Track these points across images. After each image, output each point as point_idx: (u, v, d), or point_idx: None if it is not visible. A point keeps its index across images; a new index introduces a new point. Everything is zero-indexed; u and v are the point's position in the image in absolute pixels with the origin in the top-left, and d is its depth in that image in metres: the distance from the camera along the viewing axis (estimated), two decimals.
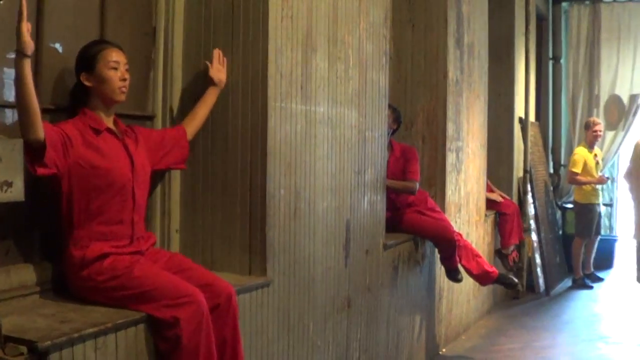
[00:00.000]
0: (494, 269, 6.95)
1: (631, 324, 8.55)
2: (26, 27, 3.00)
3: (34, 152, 3.11)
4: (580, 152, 10.85)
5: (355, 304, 5.14)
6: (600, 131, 11.06)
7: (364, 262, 5.26)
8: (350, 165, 5.00)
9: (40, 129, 3.08)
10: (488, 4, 8.49)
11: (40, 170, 3.16)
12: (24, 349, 2.68)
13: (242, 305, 3.83)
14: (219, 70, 4.00)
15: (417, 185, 6.27)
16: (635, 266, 10.03)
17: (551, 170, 12.46)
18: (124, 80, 3.48)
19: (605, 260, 11.97)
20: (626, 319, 8.83)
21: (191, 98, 4.15)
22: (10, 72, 3.27)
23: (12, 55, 3.09)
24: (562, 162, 12.56)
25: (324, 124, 4.61)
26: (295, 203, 4.34)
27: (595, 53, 12.39)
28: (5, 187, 2.58)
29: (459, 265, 6.64)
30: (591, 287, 10.72)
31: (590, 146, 10.96)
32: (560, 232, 12.01)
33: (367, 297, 5.33)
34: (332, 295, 4.81)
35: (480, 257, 6.90)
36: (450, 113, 7.06)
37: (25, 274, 3.41)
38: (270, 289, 4.10)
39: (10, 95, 3.32)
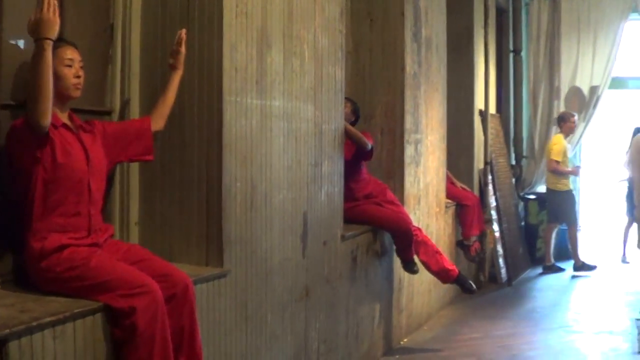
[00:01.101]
0: (454, 268, 7.05)
1: (591, 312, 8.71)
2: (52, 10, 3.17)
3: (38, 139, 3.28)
4: (560, 142, 11.08)
5: (313, 294, 5.24)
6: (575, 123, 11.33)
7: (322, 253, 5.36)
8: (307, 158, 5.10)
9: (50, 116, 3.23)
10: None
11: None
12: None
13: (200, 295, 3.93)
14: (177, 53, 4.05)
15: (371, 146, 6.35)
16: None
17: (513, 162, 12.60)
18: (78, 77, 3.57)
19: (566, 250, 12.14)
20: (586, 308, 9.00)
21: (149, 93, 4.24)
22: None
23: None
24: (524, 154, 12.69)
25: (279, 118, 4.72)
26: (251, 196, 4.44)
27: (556, 45, 12.53)
28: None
29: (415, 257, 6.74)
30: (563, 270, 11.15)
31: (565, 137, 11.17)
32: (523, 223, 12.15)
33: (325, 287, 5.43)
34: (289, 286, 4.91)
35: (440, 254, 7.00)
36: (408, 106, 7.16)
37: None
38: (227, 280, 4.20)
39: None
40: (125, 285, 3.29)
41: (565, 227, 11.58)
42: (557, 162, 10.92)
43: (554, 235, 11.49)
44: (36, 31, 3.23)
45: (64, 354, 3.07)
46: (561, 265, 11.46)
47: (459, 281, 7.11)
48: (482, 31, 10.15)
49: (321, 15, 5.23)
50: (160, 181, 4.31)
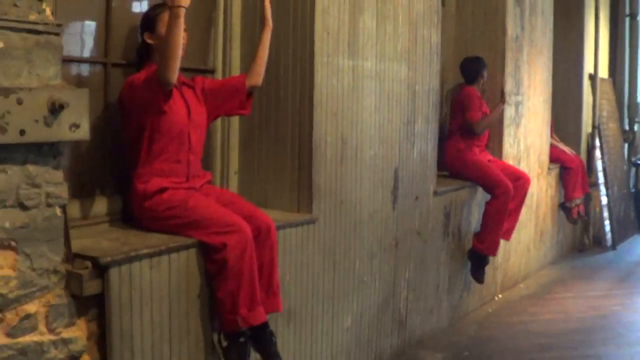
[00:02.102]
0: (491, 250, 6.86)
1: None
2: None
3: (165, 93, 3.73)
4: None
5: (403, 246, 5.55)
6: None
7: (413, 207, 5.66)
8: (399, 116, 5.39)
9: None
10: None
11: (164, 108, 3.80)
12: (88, 264, 3.20)
13: (289, 239, 4.32)
14: (267, 7, 4.26)
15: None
16: None
17: (626, 127, 12.56)
18: (182, 39, 3.92)
19: None
20: None
21: (248, 53, 4.59)
22: (75, 29, 3.78)
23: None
24: (637, 119, 12.63)
25: (371, 78, 5.01)
26: (341, 150, 4.76)
27: None
28: (73, 128, 3.05)
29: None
30: None
31: None
32: (633, 189, 12.15)
33: (416, 240, 5.73)
34: (379, 236, 5.23)
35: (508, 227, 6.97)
36: (508, 68, 7.35)
37: (98, 206, 3.97)
38: (315, 226, 4.56)
39: (75, 51, 3.83)
40: (218, 223, 3.67)
41: None
42: None
43: None
44: (172, 0, 3.62)
45: (160, 283, 3.48)
46: None
47: (477, 259, 6.80)
48: None
49: None
50: (258, 135, 4.69)
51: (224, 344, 3.80)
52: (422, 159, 5.74)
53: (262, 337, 3.87)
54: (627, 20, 12.54)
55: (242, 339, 3.75)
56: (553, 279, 8.54)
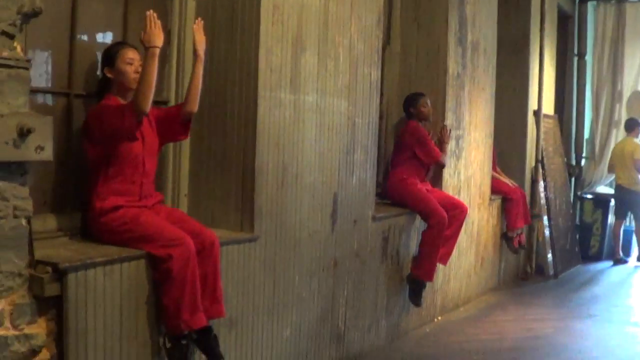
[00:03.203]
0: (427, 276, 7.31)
1: (630, 306, 9.31)
2: (157, 26, 4.29)
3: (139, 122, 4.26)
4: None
5: (342, 266, 6.03)
6: None
7: (352, 230, 6.15)
8: (339, 146, 5.89)
9: None
10: (504, 5, 9.39)
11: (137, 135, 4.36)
12: (49, 269, 3.66)
13: (232, 254, 4.81)
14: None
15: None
16: None
17: (573, 162, 13.12)
18: (137, 73, 4.40)
19: (625, 247, 12.75)
20: (626, 301, 9.60)
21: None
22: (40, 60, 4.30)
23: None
24: (584, 155, 13.21)
25: (312, 111, 5.53)
26: (282, 176, 5.26)
27: (620, 50, 12.96)
28: (38, 150, 3.52)
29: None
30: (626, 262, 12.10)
31: None
32: (578, 221, 12.74)
33: (355, 260, 6.22)
34: (318, 255, 5.72)
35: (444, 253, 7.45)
36: (449, 104, 7.89)
37: (58, 221, 4.43)
38: (257, 244, 5.05)
39: (43, 82, 4.34)
40: (164, 237, 4.16)
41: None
42: None
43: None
44: (148, 41, 4.25)
45: (112, 288, 3.94)
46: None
47: (415, 284, 7.24)
48: (538, 36, 10.71)
49: (357, 22, 6.00)
50: (206, 161, 5.17)
51: (168, 345, 4.26)
52: (361, 186, 6.24)
53: (207, 340, 4.36)
54: (575, 59, 13.14)
55: (184, 341, 4.24)
56: (493, 304, 9.02)
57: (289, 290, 5.41)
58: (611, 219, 12.43)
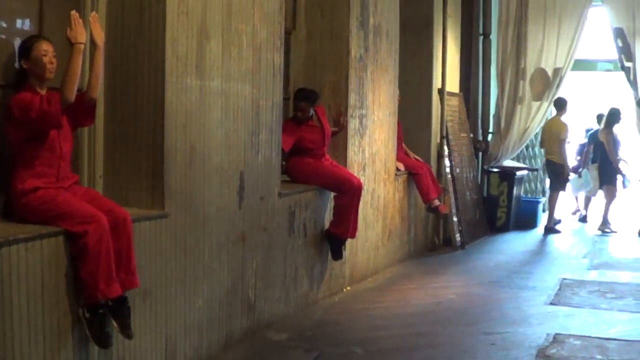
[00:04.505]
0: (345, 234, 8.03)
1: (528, 272, 9.88)
2: (79, 24, 4.79)
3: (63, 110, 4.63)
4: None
5: (250, 239, 6.45)
6: None
7: (259, 205, 6.57)
8: (244, 127, 6.30)
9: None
10: None
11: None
12: None
13: (144, 230, 5.19)
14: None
15: None
16: None
17: (480, 138, 13.68)
18: (52, 64, 4.77)
19: (531, 219, 13.65)
20: (526, 268, 10.19)
21: (108, 75, 5.45)
22: None
23: None
24: (490, 130, 13.78)
25: (217, 95, 5.92)
26: (190, 156, 5.65)
27: (523, 29, 13.42)
28: None
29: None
30: (559, 231, 13.01)
31: None
32: (486, 194, 13.36)
33: (262, 234, 6.64)
34: (226, 230, 6.12)
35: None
36: (352, 85, 8.35)
37: None
38: (167, 220, 5.43)
39: None
40: (80, 215, 4.54)
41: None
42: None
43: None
44: (74, 38, 4.75)
45: (34, 263, 4.31)
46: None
47: (332, 240, 7.99)
48: (441, 17, 11.24)
49: (260, 10, 6.40)
50: (119, 144, 5.52)
51: (87, 315, 4.63)
52: (267, 164, 6.66)
53: (121, 310, 4.76)
54: (481, 39, 13.65)
55: (101, 310, 4.63)
56: (401, 274, 9.56)
57: (199, 262, 5.80)
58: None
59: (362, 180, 8.13)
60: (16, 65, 4.88)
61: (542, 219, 13.79)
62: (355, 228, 7.98)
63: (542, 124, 13.63)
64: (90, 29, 5.04)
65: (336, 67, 8.29)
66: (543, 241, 12.56)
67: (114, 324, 4.73)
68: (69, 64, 4.68)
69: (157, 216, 5.34)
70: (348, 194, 7.67)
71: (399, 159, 10.04)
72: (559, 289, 8.72)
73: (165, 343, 5.45)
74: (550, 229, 13.02)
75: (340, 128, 8.19)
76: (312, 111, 7.79)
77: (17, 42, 4.94)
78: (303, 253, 7.43)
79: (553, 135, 12.86)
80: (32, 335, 4.30)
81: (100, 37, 5.06)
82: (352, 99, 8.35)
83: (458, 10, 12.36)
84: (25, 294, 4.26)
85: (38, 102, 4.62)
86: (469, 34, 13.42)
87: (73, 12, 4.84)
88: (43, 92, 4.82)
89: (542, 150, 13.57)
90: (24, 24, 5.16)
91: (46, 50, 4.76)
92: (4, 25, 4.97)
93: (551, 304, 8.09)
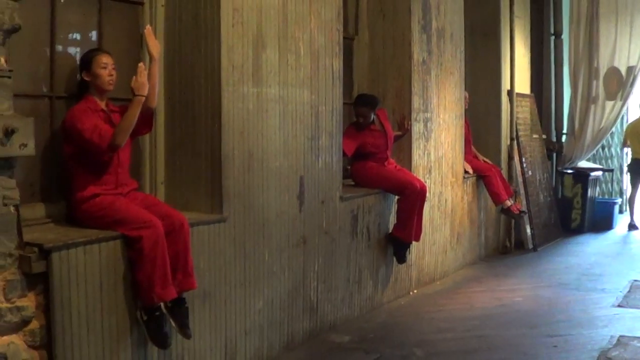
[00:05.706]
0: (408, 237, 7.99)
1: (599, 275, 9.65)
2: (144, 76, 4.92)
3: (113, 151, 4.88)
4: None
5: (311, 242, 6.56)
6: None
7: (320, 209, 6.67)
8: (303, 133, 6.42)
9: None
10: None
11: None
12: (36, 249, 4.25)
13: (202, 234, 5.36)
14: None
15: None
16: None
17: (553, 139, 13.56)
18: (111, 76, 4.98)
19: (607, 221, 13.44)
20: (597, 271, 9.92)
21: (169, 84, 5.66)
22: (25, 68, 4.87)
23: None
24: (564, 131, 13.61)
25: (275, 102, 6.05)
26: (248, 162, 5.79)
27: (595, 28, 13.17)
28: (22, 147, 4.09)
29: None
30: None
31: None
32: (560, 196, 13.22)
33: (324, 237, 6.74)
34: (286, 233, 6.24)
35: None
36: (415, 89, 8.40)
37: (46, 209, 5.03)
38: (226, 224, 5.59)
39: (27, 87, 4.92)
40: (136, 221, 4.72)
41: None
42: None
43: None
44: (137, 89, 4.89)
45: (92, 265, 4.52)
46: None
47: (396, 243, 7.99)
48: (508, 18, 11.19)
49: (317, 18, 6.51)
50: (179, 151, 5.72)
51: (145, 317, 4.82)
52: (328, 169, 6.76)
53: (179, 310, 4.95)
54: (552, 39, 13.54)
55: (157, 313, 4.81)
56: (469, 277, 9.50)
57: (259, 265, 5.94)
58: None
59: (427, 184, 8.17)
60: (77, 77, 5.10)
61: (619, 221, 13.62)
62: (419, 231, 7.99)
63: (616, 124, 13.45)
64: (146, 41, 5.22)
65: (399, 72, 8.35)
66: (617, 243, 12.30)
67: (173, 323, 4.91)
68: (127, 113, 4.89)
69: (216, 220, 5.51)
70: (411, 197, 7.70)
71: (467, 161, 10.00)
72: (629, 291, 8.59)
73: (225, 344, 5.61)
74: (632, 226, 13.06)
75: (405, 132, 8.26)
76: (373, 116, 7.84)
77: (79, 55, 5.17)
78: (367, 256, 7.50)
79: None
80: (92, 336, 4.51)
81: (156, 49, 5.22)
82: (416, 102, 8.40)
83: (527, 11, 12.28)
84: (84, 296, 4.47)
85: (91, 127, 4.81)
86: (540, 34, 13.31)
87: (141, 63, 5.07)
88: (102, 103, 5.02)
89: (626, 150, 13.39)
90: (84, 37, 5.39)
91: (106, 63, 4.97)
92: (66, 38, 5.23)
93: (619, 306, 7.99)
